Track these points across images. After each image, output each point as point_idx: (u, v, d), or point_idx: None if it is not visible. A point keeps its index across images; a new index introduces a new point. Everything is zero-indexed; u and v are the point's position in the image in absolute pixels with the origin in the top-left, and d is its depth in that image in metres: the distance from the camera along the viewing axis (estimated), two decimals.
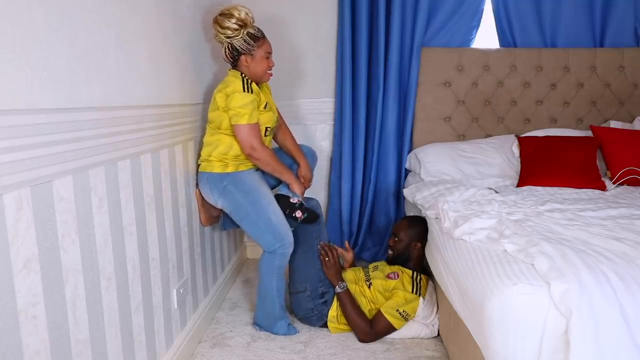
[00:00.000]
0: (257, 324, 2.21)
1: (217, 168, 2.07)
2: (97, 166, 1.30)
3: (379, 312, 2.05)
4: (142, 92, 1.60)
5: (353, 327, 2.08)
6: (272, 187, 2.26)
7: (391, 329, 2.03)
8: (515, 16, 2.88)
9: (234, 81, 2.02)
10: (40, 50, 1.07)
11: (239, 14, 2.01)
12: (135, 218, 1.53)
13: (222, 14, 2.02)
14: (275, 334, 2.16)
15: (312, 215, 2.20)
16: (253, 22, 2.09)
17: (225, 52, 2.09)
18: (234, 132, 2.03)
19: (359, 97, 2.88)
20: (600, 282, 1.26)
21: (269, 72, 2.15)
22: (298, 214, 2.16)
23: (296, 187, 2.16)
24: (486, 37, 3.01)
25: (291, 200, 2.16)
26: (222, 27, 2.01)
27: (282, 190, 2.20)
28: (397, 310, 2.00)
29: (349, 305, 2.08)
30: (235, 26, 2.01)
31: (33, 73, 1.04)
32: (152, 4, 1.69)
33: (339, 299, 2.12)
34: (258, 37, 2.08)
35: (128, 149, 1.47)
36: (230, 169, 2.08)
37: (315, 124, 3.07)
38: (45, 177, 1.08)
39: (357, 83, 2.88)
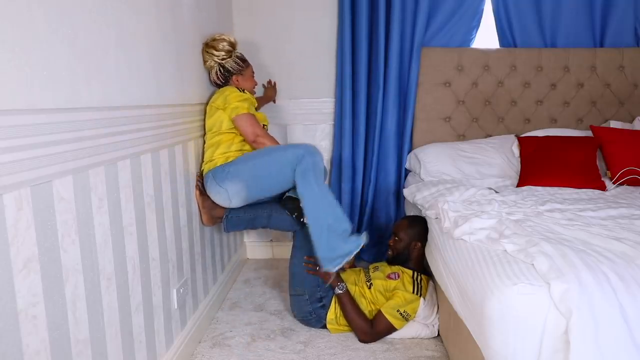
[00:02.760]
0: (323, 263, 2.02)
1: (220, 162, 2.13)
2: (97, 166, 1.30)
3: (379, 312, 2.04)
4: (142, 92, 1.60)
5: (353, 327, 2.08)
6: (281, 195, 2.25)
7: (392, 329, 2.03)
8: (515, 16, 2.89)
9: (229, 88, 2.22)
10: (40, 50, 1.07)
11: (229, 38, 2.27)
12: (135, 218, 1.53)
13: (214, 40, 2.25)
14: (350, 252, 2.02)
15: None
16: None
17: (217, 74, 2.29)
18: (235, 124, 2.15)
19: (359, 97, 2.88)
20: (600, 282, 1.26)
21: (254, 90, 2.42)
22: (306, 218, 2.09)
23: None
24: (486, 37, 3.01)
25: (300, 204, 2.08)
26: (218, 50, 2.23)
27: (292, 193, 2.18)
28: (397, 311, 2.00)
29: (349, 306, 2.07)
30: (229, 48, 2.27)
31: (33, 73, 1.04)
32: (152, 4, 1.69)
33: (338, 300, 2.11)
34: (245, 59, 2.37)
35: (128, 149, 1.47)
36: (232, 159, 2.14)
37: (315, 124, 3.07)
38: (45, 177, 1.08)
39: (357, 83, 2.88)
